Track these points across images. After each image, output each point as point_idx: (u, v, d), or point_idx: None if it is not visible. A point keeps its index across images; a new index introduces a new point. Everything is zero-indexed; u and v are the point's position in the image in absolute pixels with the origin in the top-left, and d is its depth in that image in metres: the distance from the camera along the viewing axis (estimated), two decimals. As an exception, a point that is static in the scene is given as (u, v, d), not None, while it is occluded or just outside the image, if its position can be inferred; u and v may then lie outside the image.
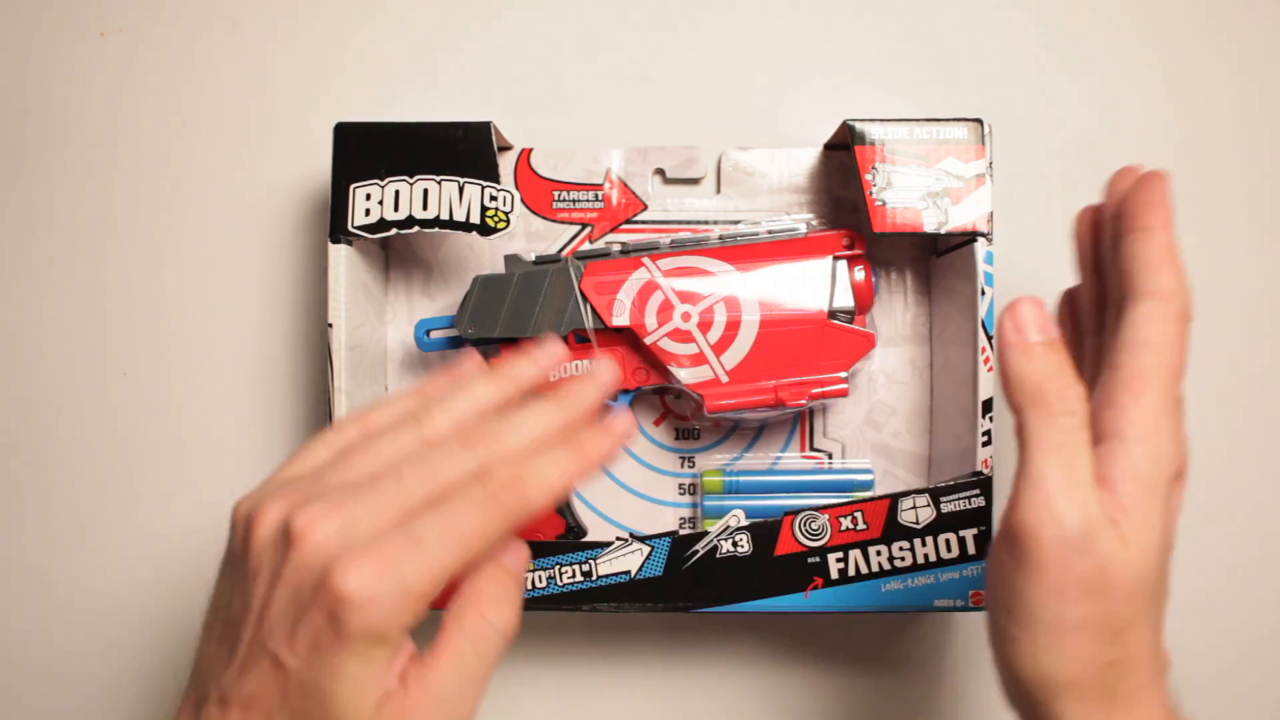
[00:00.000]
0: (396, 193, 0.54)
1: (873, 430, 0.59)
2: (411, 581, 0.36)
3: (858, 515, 0.52)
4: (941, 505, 0.52)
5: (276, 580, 0.37)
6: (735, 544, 0.53)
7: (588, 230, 0.59)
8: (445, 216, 0.54)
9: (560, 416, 0.41)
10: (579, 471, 0.40)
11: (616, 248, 0.56)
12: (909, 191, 0.53)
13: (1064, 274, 0.60)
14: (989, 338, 0.52)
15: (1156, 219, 0.45)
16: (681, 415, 0.60)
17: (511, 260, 0.56)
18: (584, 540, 0.57)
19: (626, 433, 0.42)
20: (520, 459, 0.39)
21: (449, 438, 0.40)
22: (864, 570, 0.52)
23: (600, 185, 0.58)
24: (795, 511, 0.52)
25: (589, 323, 0.55)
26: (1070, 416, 0.40)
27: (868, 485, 0.57)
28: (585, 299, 0.55)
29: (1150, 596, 0.40)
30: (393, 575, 0.36)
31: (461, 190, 0.54)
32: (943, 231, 0.53)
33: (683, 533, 0.53)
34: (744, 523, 0.53)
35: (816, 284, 0.54)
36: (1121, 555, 0.39)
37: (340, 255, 0.54)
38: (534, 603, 0.53)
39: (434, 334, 0.57)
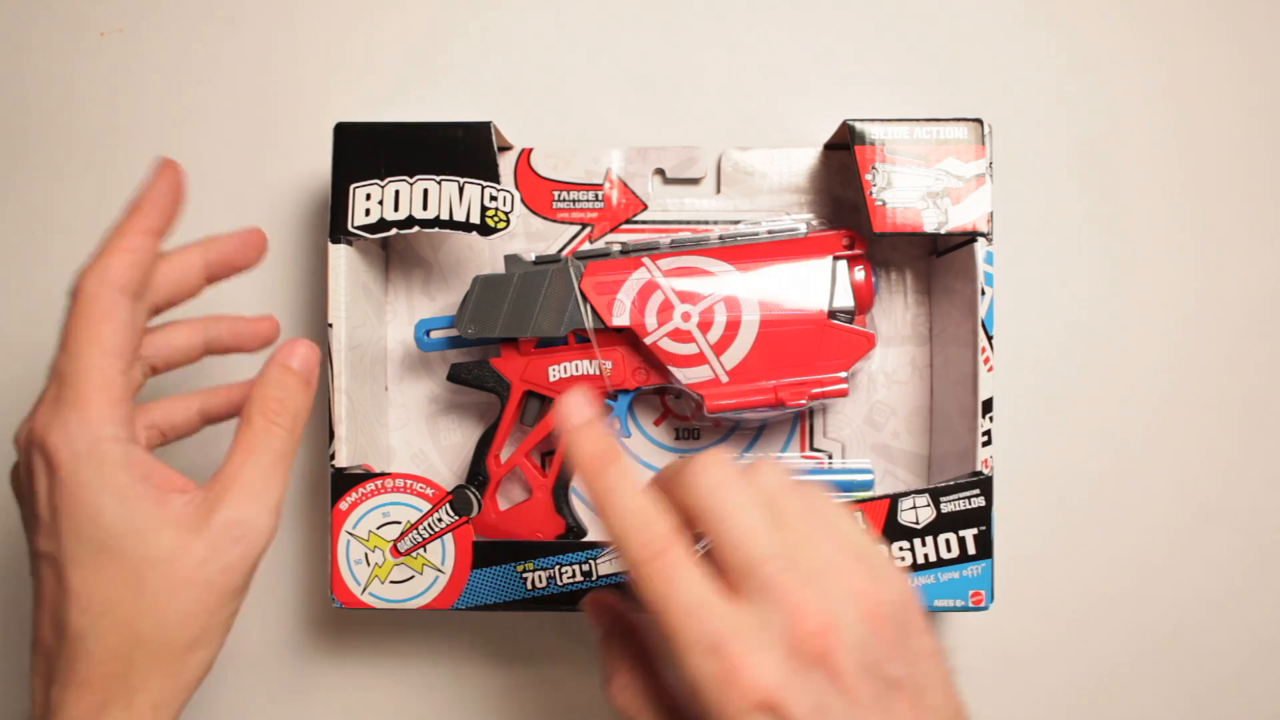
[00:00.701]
0: (396, 193, 0.54)
1: (873, 430, 0.59)
2: (72, 400, 0.41)
3: (858, 515, 0.52)
4: (941, 505, 0.52)
5: (16, 505, 0.43)
6: (735, 544, 0.52)
7: (588, 230, 0.59)
8: (445, 216, 0.54)
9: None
10: (136, 238, 0.43)
11: (616, 248, 0.56)
12: (909, 191, 0.53)
13: (1064, 274, 0.61)
14: (989, 338, 0.52)
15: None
16: (681, 415, 0.60)
17: (511, 260, 0.56)
18: (584, 540, 0.57)
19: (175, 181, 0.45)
20: (95, 255, 0.43)
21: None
22: (864, 570, 0.52)
23: (600, 185, 0.58)
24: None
25: (589, 323, 0.55)
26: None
27: (868, 485, 0.57)
28: (585, 299, 0.55)
29: None
30: (56, 404, 0.41)
31: (461, 190, 0.54)
32: (943, 232, 0.53)
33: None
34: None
35: (817, 284, 0.54)
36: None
37: (340, 255, 0.54)
38: (534, 603, 0.53)
39: (434, 334, 0.57)
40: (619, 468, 0.39)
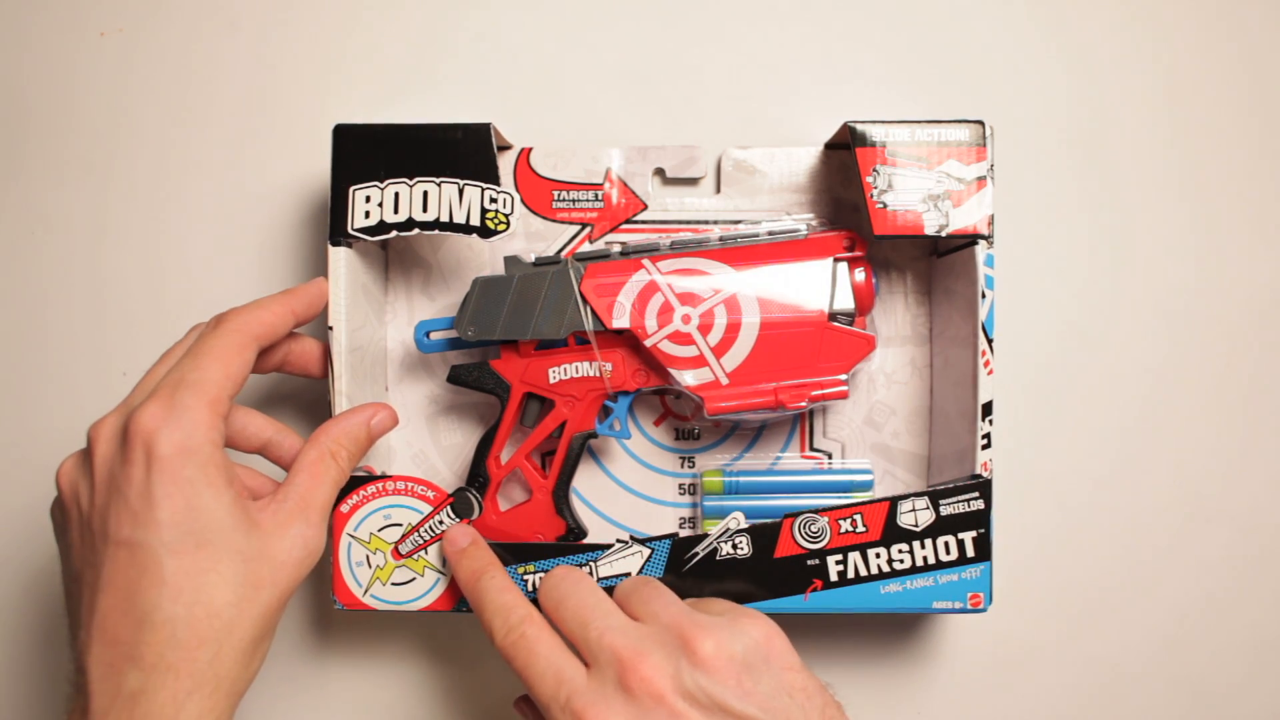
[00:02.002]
0: (396, 194, 0.54)
1: (872, 431, 0.59)
2: (190, 403, 0.44)
3: (857, 518, 0.52)
4: (941, 508, 0.52)
5: (92, 493, 0.44)
6: (735, 546, 0.53)
7: (587, 230, 0.59)
8: (445, 218, 0.54)
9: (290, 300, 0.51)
10: (289, 302, 0.50)
11: (616, 248, 0.56)
12: (910, 194, 0.52)
13: (1064, 276, 0.61)
14: (989, 340, 0.52)
15: None
16: (681, 416, 0.60)
17: (511, 262, 0.56)
18: (585, 542, 0.57)
19: (319, 293, 0.52)
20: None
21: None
22: (863, 573, 0.52)
23: (600, 185, 0.58)
24: (795, 514, 0.52)
25: (589, 325, 0.55)
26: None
27: (867, 486, 0.57)
28: (585, 301, 0.55)
29: None
30: (172, 403, 0.44)
31: (461, 192, 0.54)
32: (944, 234, 0.52)
33: (683, 534, 0.53)
34: (744, 525, 0.53)
35: (817, 286, 0.54)
36: None
37: (340, 257, 0.54)
38: (536, 605, 0.53)
39: (434, 335, 0.57)
40: (489, 575, 0.50)
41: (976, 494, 0.52)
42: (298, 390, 0.61)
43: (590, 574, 0.53)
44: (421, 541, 0.53)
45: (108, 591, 0.42)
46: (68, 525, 0.45)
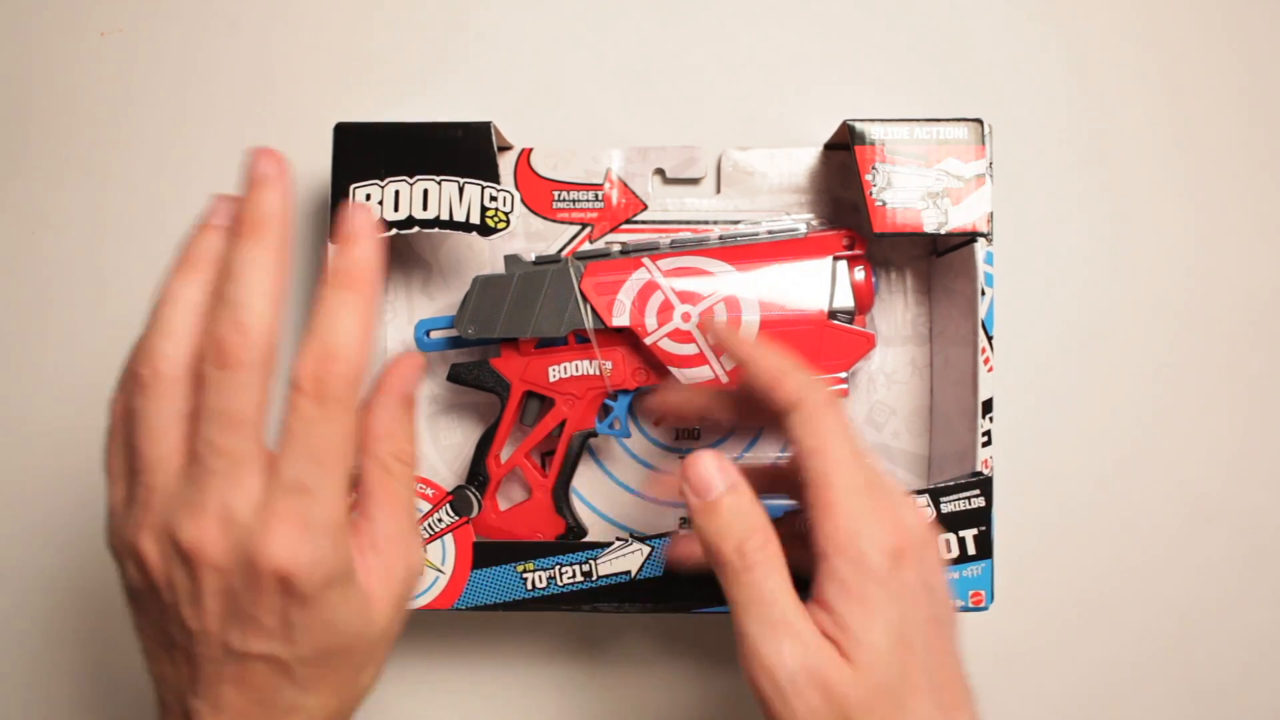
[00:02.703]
0: (396, 193, 0.54)
1: (873, 430, 0.59)
2: (325, 522, 0.37)
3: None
4: (941, 506, 0.52)
5: (199, 595, 0.38)
6: (735, 544, 0.52)
7: (588, 230, 0.59)
8: (445, 217, 0.54)
9: (276, 262, 0.38)
10: (360, 309, 0.38)
11: (616, 248, 0.56)
12: (909, 192, 0.53)
13: (1064, 274, 0.61)
14: (989, 338, 0.52)
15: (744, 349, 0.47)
16: (681, 415, 0.60)
17: (511, 260, 0.56)
18: (584, 540, 0.57)
19: (364, 225, 0.39)
20: (308, 341, 0.38)
21: (214, 373, 0.37)
22: (864, 571, 0.52)
23: (600, 185, 0.58)
24: (795, 513, 0.52)
25: (589, 323, 0.55)
26: (749, 572, 0.41)
27: (868, 485, 0.57)
28: (585, 299, 0.55)
29: (890, 696, 0.39)
30: (307, 529, 0.37)
31: (461, 190, 0.54)
32: (943, 232, 0.52)
33: (683, 533, 0.53)
34: (744, 523, 0.53)
35: (816, 284, 0.54)
36: (846, 675, 0.39)
37: (340, 255, 0.54)
38: (535, 603, 0.53)
39: (434, 334, 0.57)
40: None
41: (977, 491, 0.52)
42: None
43: (590, 573, 0.53)
44: (421, 540, 0.53)
45: (236, 687, 0.39)
46: (159, 602, 0.39)
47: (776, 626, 0.40)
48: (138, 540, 0.38)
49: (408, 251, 0.59)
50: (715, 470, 0.43)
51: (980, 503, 0.52)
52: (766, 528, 0.42)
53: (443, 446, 0.59)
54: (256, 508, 0.37)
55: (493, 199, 0.54)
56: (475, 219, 0.54)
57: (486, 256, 0.59)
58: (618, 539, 0.53)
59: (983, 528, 0.52)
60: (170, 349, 0.38)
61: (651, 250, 0.55)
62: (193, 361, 0.38)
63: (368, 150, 0.54)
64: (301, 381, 0.37)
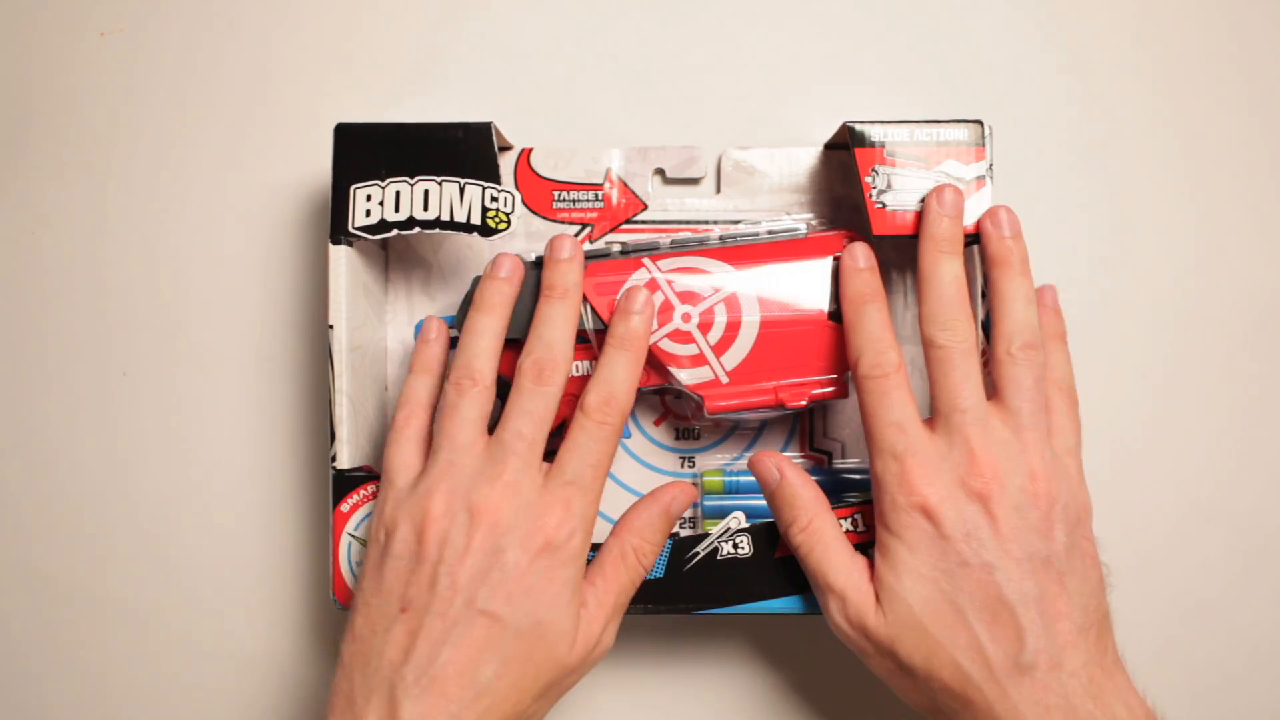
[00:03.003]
0: (397, 193, 0.54)
1: (873, 430, 0.59)
2: (583, 512, 0.48)
3: (857, 518, 0.52)
4: (941, 506, 0.52)
5: (466, 552, 0.46)
6: (736, 546, 0.53)
7: (588, 230, 0.59)
8: (446, 217, 0.54)
9: (571, 318, 0.52)
10: (632, 365, 0.51)
11: (616, 248, 0.56)
12: (909, 193, 0.53)
13: (1063, 274, 0.61)
14: (989, 339, 0.52)
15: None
16: (681, 415, 0.60)
17: (512, 261, 0.56)
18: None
19: (643, 306, 0.52)
20: (595, 383, 0.51)
21: (529, 385, 0.50)
22: (864, 571, 0.52)
23: (600, 185, 0.58)
24: None
25: (589, 323, 0.55)
26: (801, 554, 0.51)
27: (868, 485, 0.57)
28: (585, 299, 0.55)
29: (917, 629, 0.47)
30: (571, 512, 0.48)
31: (462, 191, 0.54)
32: (943, 233, 0.52)
33: (683, 534, 0.53)
34: (744, 525, 0.53)
35: (817, 284, 0.54)
36: (878, 620, 0.48)
37: (341, 256, 0.54)
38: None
39: (434, 334, 0.57)
40: (877, 306, 0.51)
41: (977, 492, 0.52)
42: (298, 391, 0.61)
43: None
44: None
45: (454, 650, 0.45)
46: (417, 563, 0.47)
47: (823, 593, 0.50)
48: (430, 500, 0.48)
49: (408, 251, 0.59)
50: (772, 465, 0.52)
51: (980, 503, 0.52)
52: (810, 507, 0.50)
53: (443, 447, 0.59)
54: (540, 490, 0.48)
55: (493, 199, 0.54)
56: (476, 220, 0.54)
57: (486, 257, 0.59)
58: (618, 539, 0.53)
59: (982, 528, 0.52)
60: (484, 366, 0.50)
61: (652, 250, 0.55)
62: (495, 377, 0.51)
63: (368, 150, 0.54)
64: (589, 409, 0.50)
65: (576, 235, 0.59)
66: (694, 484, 0.57)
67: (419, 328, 0.57)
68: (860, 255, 0.52)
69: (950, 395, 0.48)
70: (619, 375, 0.51)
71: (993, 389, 0.49)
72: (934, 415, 0.49)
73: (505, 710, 0.46)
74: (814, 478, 0.52)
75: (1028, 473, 0.47)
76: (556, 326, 0.51)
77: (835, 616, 0.49)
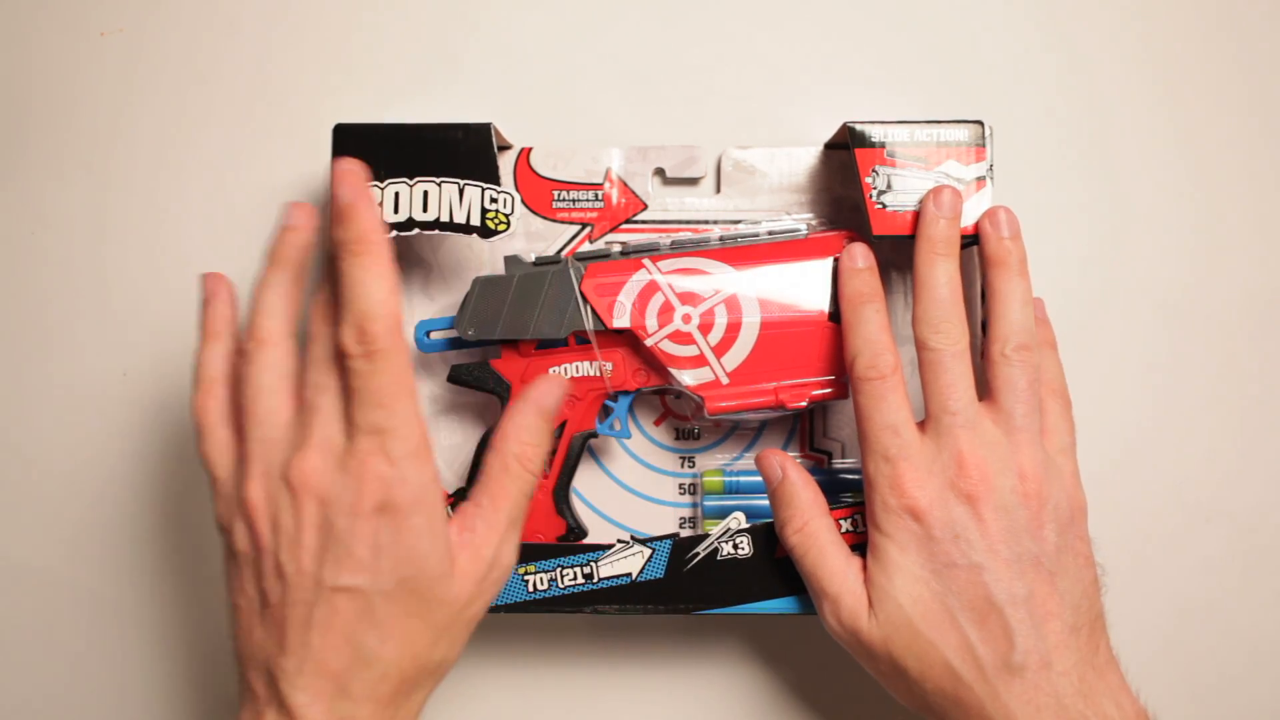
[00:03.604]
0: (396, 194, 0.54)
1: (873, 430, 0.59)
2: (404, 452, 0.44)
3: (857, 518, 0.52)
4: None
5: (300, 532, 0.44)
6: (736, 546, 0.53)
7: (588, 230, 0.59)
8: (445, 218, 0.54)
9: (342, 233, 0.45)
10: (377, 268, 0.44)
11: (616, 248, 0.56)
12: (909, 194, 0.53)
13: (1063, 274, 0.61)
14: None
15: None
16: (682, 415, 0.60)
17: (511, 261, 0.56)
18: (585, 542, 0.57)
19: (357, 194, 0.45)
20: (344, 314, 0.44)
21: (320, 328, 0.45)
22: (864, 572, 0.52)
23: (600, 185, 0.58)
24: None
25: (589, 324, 0.55)
26: (795, 557, 0.51)
27: (868, 486, 0.57)
28: (585, 301, 0.55)
29: (908, 629, 0.47)
30: (390, 459, 0.43)
31: (461, 192, 0.54)
32: (943, 233, 0.52)
33: (683, 535, 0.53)
34: (744, 525, 0.53)
35: (817, 285, 0.54)
36: (869, 623, 0.48)
37: (340, 257, 0.54)
38: (535, 605, 0.53)
39: (434, 335, 0.57)
40: (875, 306, 0.50)
41: (977, 493, 0.52)
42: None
43: (591, 575, 0.53)
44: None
45: (323, 631, 0.44)
46: (259, 555, 0.45)
47: (817, 596, 0.50)
48: (246, 491, 0.45)
49: (408, 252, 0.59)
50: (776, 464, 0.52)
51: (980, 504, 0.52)
52: (807, 509, 0.50)
53: (443, 447, 0.59)
54: (348, 448, 0.44)
55: (493, 200, 0.54)
56: (475, 221, 0.54)
57: (486, 257, 0.59)
58: (618, 540, 0.53)
59: (982, 529, 0.52)
60: (271, 323, 0.46)
61: (652, 251, 0.55)
62: (290, 331, 0.46)
63: (367, 151, 0.54)
64: (348, 349, 0.43)
65: (575, 237, 0.59)
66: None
67: (419, 327, 0.57)
68: (859, 255, 0.52)
69: (941, 398, 0.48)
70: (366, 291, 0.43)
71: (986, 389, 0.50)
72: (926, 418, 0.49)
73: (404, 667, 0.45)
74: (814, 478, 0.52)
75: (1018, 473, 0.47)
76: (356, 276, 0.45)
77: (829, 619, 0.49)
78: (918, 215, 0.52)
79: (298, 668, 0.44)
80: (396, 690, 0.45)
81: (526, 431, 0.48)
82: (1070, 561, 0.47)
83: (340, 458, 0.44)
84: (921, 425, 0.49)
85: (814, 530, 0.50)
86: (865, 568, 0.49)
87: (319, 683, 0.44)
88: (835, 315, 0.54)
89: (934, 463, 0.47)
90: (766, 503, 0.56)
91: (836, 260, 0.54)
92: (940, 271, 0.50)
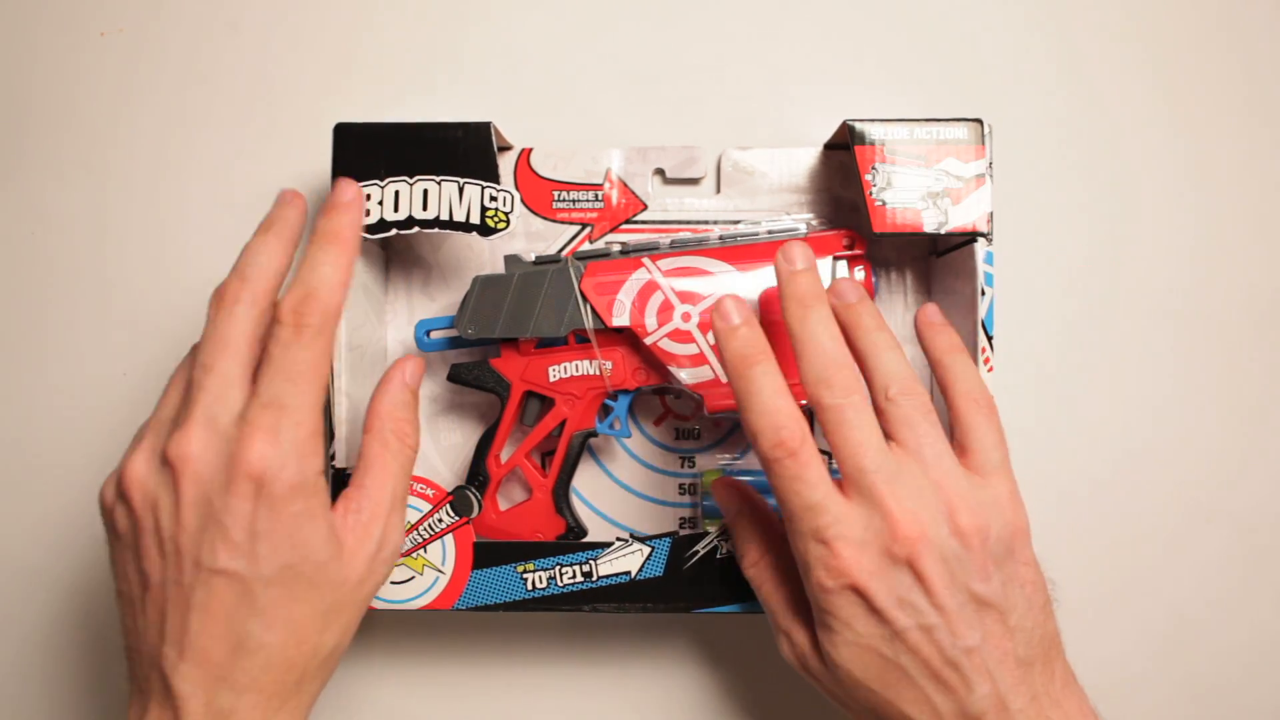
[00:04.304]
0: (396, 193, 0.54)
1: (873, 430, 0.59)
2: (295, 435, 0.43)
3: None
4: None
5: (178, 512, 0.43)
6: (735, 544, 0.53)
7: (588, 230, 0.59)
8: (445, 217, 0.54)
9: (284, 231, 0.47)
10: (339, 261, 0.45)
11: (616, 248, 0.56)
12: (909, 192, 0.53)
13: (1063, 273, 0.61)
14: (989, 338, 0.52)
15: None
16: (682, 415, 0.60)
17: (511, 260, 0.56)
18: (584, 540, 0.57)
19: (354, 198, 0.47)
20: (293, 285, 0.44)
21: (213, 313, 0.45)
22: (864, 571, 0.52)
23: (600, 185, 0.58)
24: None
25: (589, 323, 0.55)
26: (755, 589, 0.51)
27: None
28: (585, 299, 0.55)
29: (854, 683, 0.45)
30: (278, 438, 0.42)
31: (461, 191, 0.54)
32: (942, 232, 0.52)
33: (683, 533, 0.53)
34: (744, 523, 0.53)
35: (816, 284, 0.54)
36: (822, 670, 0.47)
37: (340, 256, 0.54)
38: (535, 603, 0.53)
39: (434, 334, 0.57)
40: (763, 368, 0.45)
41: (977, 492, 0.52)
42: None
43: (590, 574, 0.53)
44: (421, 540, 0.53)
45: (202, 615, 0.42)
46: (139, 536, 0.44)
47: (773, 629, 0.49)
48: (128, 463, 0.44)
49: (408, 251, 0.59)
50: (733, 307, 0.47)
51: (980, 503, 0.52)
52: (759, 545, 0.50)
53: (443, 447, 0.59)
54: (236, 419, 0.43)
55: (493, 199, 0.54)
56: (475, 219, 0.54)
57: (486, 256, 0.59)
58: (618, 539, 0.53)
59: (983, 528, 0.52)
60: (235, 282, 0.46)
61: (651, 250, 0.55)
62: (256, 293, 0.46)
63: (368, 150, 0.54)
64: (282, 315, 0.44)
65: (576, 236, 0.59)
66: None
67: (419, 327, 0.57)
68: (731, 310, 0.47)
69: (855, 459, 0.44)
70: (322, 273, 0.45)
71: (888, 433, 0.47)
72: (844, 478, 0.45)
73: (290, 656, 0.44)
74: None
75: (948, 513, 0.44)
76: (257, 250, 0.47)
77: (784, 650, 0.49)
78: (778, 279, 0.48)
79: (179, 655, 0.42)
80: (283, 681, 0.44)
81: (400, 408, 0.48)
82: (1017, 592, 0.45)
83: (225, 436, 0.43)
84: (840, 486, 0.45)
85: (767, 565, 0.49)
86: (814, 636, 0.47)
87: (199, 671, 0.42)
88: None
89: (866, 530, 0.44)
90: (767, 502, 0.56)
91: (835, 259, 0.54)
92: (814, 322, 0.46)
